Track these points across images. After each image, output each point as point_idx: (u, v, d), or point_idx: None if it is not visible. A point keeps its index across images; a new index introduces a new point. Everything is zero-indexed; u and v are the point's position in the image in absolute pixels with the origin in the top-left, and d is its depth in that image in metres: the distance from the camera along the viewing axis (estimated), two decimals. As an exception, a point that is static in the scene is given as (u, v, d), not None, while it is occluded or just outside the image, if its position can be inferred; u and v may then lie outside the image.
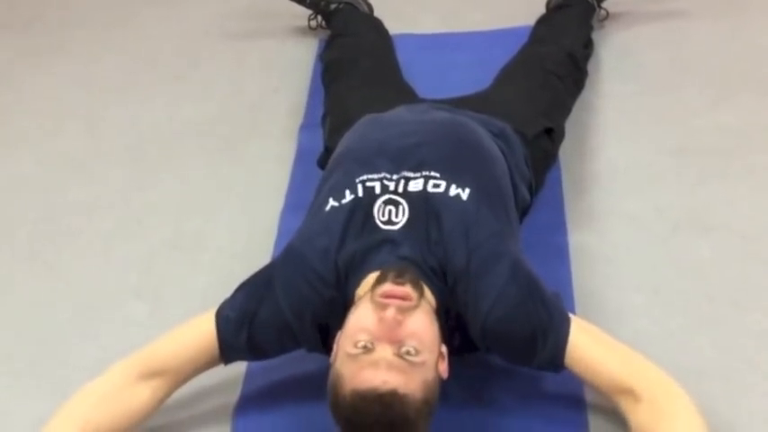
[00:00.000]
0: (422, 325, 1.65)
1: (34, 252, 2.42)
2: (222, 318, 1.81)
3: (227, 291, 2.18)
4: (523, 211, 2.08)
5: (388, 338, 1.60)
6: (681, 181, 2.37)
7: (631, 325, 2.00)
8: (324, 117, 2.41)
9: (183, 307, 2.18)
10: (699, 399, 1.82)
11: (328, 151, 2.19)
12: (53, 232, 2.47)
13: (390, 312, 1.61)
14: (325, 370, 1.66)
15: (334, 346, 1.68)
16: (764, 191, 2.31)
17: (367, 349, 1.59)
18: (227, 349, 1.81)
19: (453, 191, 1.84)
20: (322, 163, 2.23)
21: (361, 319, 1.64)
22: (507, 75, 2.47)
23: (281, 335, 1.80)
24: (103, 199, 2.56)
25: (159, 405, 1.81)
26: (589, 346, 1.72)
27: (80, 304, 2.24)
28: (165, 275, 2.29)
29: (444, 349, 1.69)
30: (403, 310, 1.63)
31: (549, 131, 2.24)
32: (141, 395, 1.78)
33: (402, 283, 1.66)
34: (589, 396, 1.84)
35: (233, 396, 1.94)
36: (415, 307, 1.65)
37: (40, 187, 2.64)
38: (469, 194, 1.84)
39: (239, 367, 1.96)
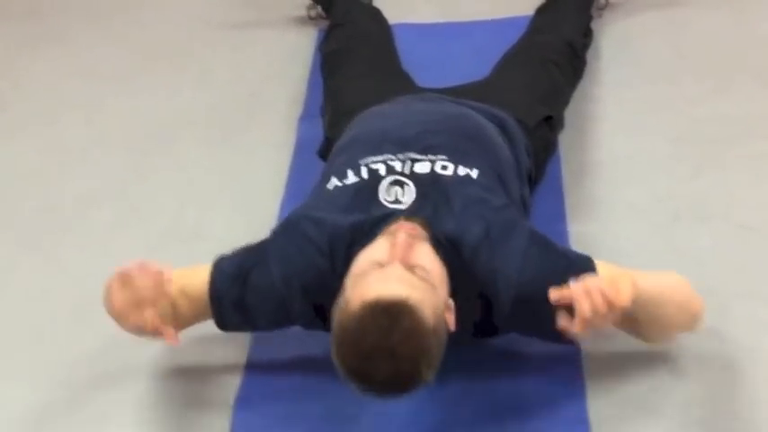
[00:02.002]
0: (431, 257, 1.67)
1: (33, 242, 2.41)
2: (218, 269, 1.82)
3: (226, 281, 2.19)
4: (524, 203, 2.07)
5: (400, 260, 1.61)
6: (681, 170, 2.37)
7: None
8: (323, 107, 2.41)
9: (183, 297, 2.18)
10: (700, 388, 1.83)
11: (329, 141, 2.19)
12: (51, 222, 2.46)
13: (401, 236, 1.63)
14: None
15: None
16: (764, 180, 2.31)
17: (378, 265, 1.61)
18: (218, 302, 1.80)
19: (462, 171, 1.84)
20: (323, 153, 2.22)
21: (372, 251, 1.66)
22: (506, 64, 2.46)
23: (270, 304, 1.79)
24: (102, 188, 2.56)
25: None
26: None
27: (79, 294, 2.23)
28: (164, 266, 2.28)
29: (451, 302, 1.67)
30: (413, 237, 1.66)
31: (548, 120, 2.24)
32: None
33: (411, 221, 1.71)
34: (589, 396, 1.85)
35: (232, 391, 1.94)
36: (425, 239, 1.68)
37: (39, 177, 2.63)
38: (478, 174, 1.84)
39: (239, 362, 1.97)
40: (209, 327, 2.10)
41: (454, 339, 1.67)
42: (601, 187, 2.33)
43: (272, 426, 1.87)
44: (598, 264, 1.74)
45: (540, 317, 1.67)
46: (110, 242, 2.37)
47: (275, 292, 1.78)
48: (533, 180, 2.14)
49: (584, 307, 1.56)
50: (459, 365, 1.90)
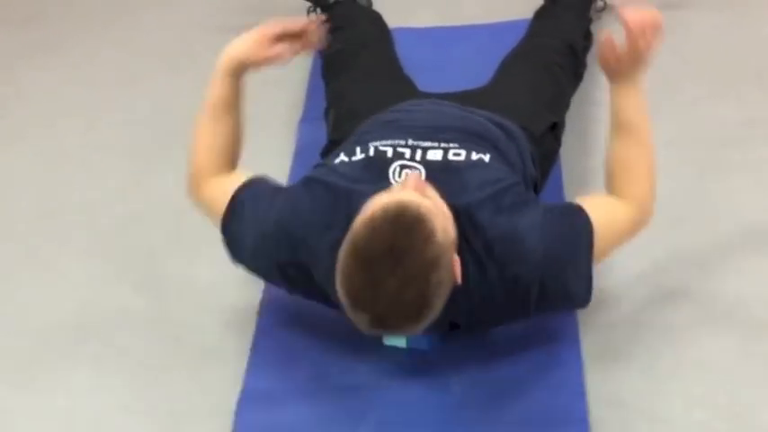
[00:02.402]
0: (441, 200, 1.66)
1: (33, 248, 2.41)
2: (253, 184, 1.90)
3: (227, 286, 2.19)
4: None
5: (413, 188, 1.62)
6: (681, 173, 2.37)
7: (633, 318, 2.00)
8: (327, 110, 2.40)
9: (184, 302, 2.18)
10: (701, 392, 1.83)
11: (333, 143, 2.19)
12: (52, 228, 2.46)
13: (414, 175, 1.67)
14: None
15: None
16: (766, 183, 2.31)
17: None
18: (234, 203, 1.86)
19: (475, 156, 1.84)
20: (326, 155, 2.22)
21: (380, 195, 1.64)
22: (508, 68, 2.46)
23: (255, 230, 1.82)
24: (103, 194, 2.56)
25: None
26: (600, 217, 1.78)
27: (79, 300, 2.23)
28: (165, 270, 2.29)
29: (457, 258, 1.66)
30: (425, 184, 1.67)
31: (553, 128, 2.23)
32: None
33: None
34: (589, 396, 1.84)
35: (234, 392, 1.94)
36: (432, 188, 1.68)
37: (40, 182, 2.64)
38: (491, 158, 1.85)
39: (240, 362, 1.97)
40: (209, 325, 2.11)
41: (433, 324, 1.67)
42: (601, 191, 2.32)
43: (273, 428, 1.86)
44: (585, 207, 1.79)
45: (562, 283, 1.74)
46: (110, 248, 2.37)
47: (265, 226, 1.80)
48: (537, 189, 2.13)
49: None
50: (459, 366, 1.90)
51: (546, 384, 1.87)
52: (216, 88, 2.02)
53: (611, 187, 1.88)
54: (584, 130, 2.51)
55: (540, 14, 2.71)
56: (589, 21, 2.73)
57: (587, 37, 2.65)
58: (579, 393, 1.84)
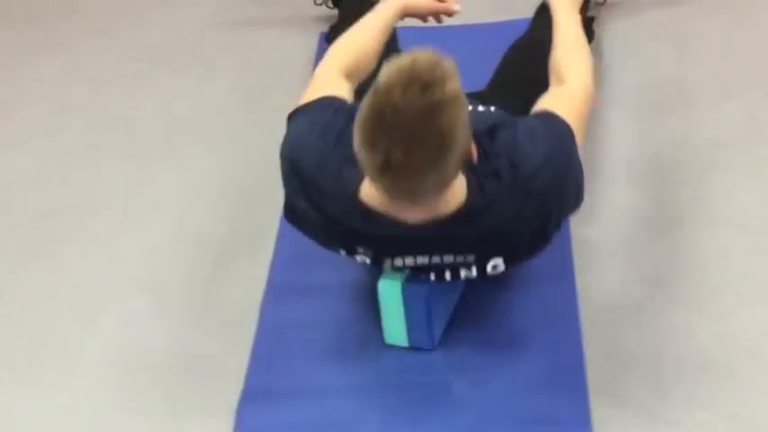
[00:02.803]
0: None
1: (36, 247, 2.41)
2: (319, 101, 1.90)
3: (229, 284, 2.20)
4: None
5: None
6: (684, 173, 2.36)
7: (634, 318, 2.00)
8: None
9: (185, 301, 2.18)
10: (704, 392, 1.82)
11: None
12: (54, 227, 2.46)
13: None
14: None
15: None
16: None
17: None
18: (298, 110, 1.91)
19: (482, 107, 1.98)
20: None
21: None
22: (508, 65, 2.45)
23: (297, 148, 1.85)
24: (105, 193, 2.56)
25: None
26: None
27: (82, 299, 2.23)
28: (167, 270, 2.28)
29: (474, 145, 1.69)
30: None
31: None
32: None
33: None
34: (590, 396, 1.84)
35: (235, 393, 1.94)
36: None
37: (42, 182, 2.63)
38: (496, 108, 1.93)
39: (241, 363, 1.97)
40: (210, 324, 2.11)
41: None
42: (603, 190, 2.32)
43: (274, 427, 1.86)
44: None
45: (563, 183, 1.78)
46: (112, 247, 2.37)
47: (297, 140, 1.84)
48: None
49: None
50: (461, 366, 1.90)
51: (548, 385, 1.86)
52: (381, 21, 2.10)
53: (554, 70, 2.03)
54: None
55: (538, 13, 2.70)
56: (590, 17, 2.71)
57: (587, 31, 2.64)
58: (581, 394, 1.83)
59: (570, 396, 1.84)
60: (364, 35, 2.07)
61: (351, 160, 1.68)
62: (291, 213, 1.90)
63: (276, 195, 2.38)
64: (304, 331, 2.03)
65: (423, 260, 1.82)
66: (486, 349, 1.94)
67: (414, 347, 1.94)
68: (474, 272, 1.83)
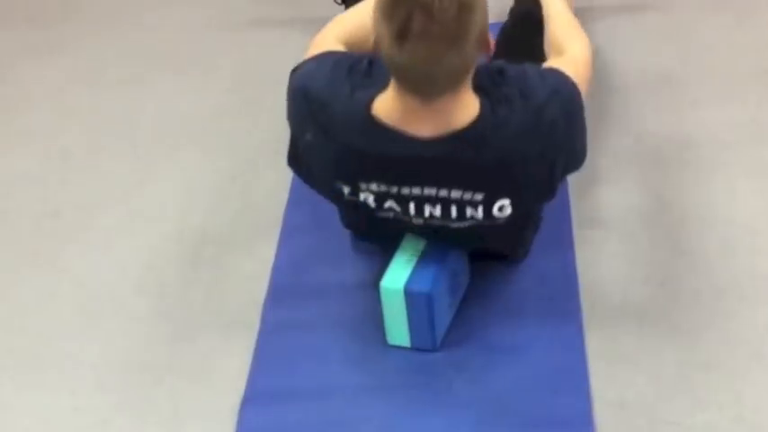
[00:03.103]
0: None
1: (36, 247, 2.41)
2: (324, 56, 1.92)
3: (231, 285, 2.19)
4: (538, 215, 2.10)
5: None
6: (687, 173, 2.36)
7: (637, 318, 2.00)
8: None
9: (186, 302, 2.18)
10: (707, 393, 1.82)
11: None
12: (55, 227, 2.46)
13: None
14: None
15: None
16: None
17: None
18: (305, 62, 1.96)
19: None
20: None
21: None
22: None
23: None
24: (105, 194, 2.56)
25: None
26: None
27: (83, 300, 2.23)
28: (168, 270, 2.28)
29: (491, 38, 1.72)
30: None
31: None
32: None
33: None
34: (592, 397, 1.84)
35: (237, 394, 1.94)
36: None
37: (43, 182, 2.63)
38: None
39: (243, 363, 1.97)
40: (212, 325, 2.11)
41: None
42: (606, 190, 2.32)
43: (276, 428, 1.86)
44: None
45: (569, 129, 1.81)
46: (113, 247, 2.37)
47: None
48: None
49: None
50: (463, 367, 1.90)
51: (550, 386, 1.86)
52: None
53: (553, 46, 2.04)
54: (588, 128, 2.50)
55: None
56: None
57: None
58: (583, 395, 1.84)
59: (572, 396, 1.84)
60: (365, 12, 2.01)
61: (363, 87, 1.70)
62: (294, 158, 1.92)
63: (277, 195, 2.41)
64: (306, 332, 2.02)
65: (430, 191, 1.80)
66: (488, 350, 1.94)
67: (416, 348, 1.94)
68: (480, 212, 1.82)
